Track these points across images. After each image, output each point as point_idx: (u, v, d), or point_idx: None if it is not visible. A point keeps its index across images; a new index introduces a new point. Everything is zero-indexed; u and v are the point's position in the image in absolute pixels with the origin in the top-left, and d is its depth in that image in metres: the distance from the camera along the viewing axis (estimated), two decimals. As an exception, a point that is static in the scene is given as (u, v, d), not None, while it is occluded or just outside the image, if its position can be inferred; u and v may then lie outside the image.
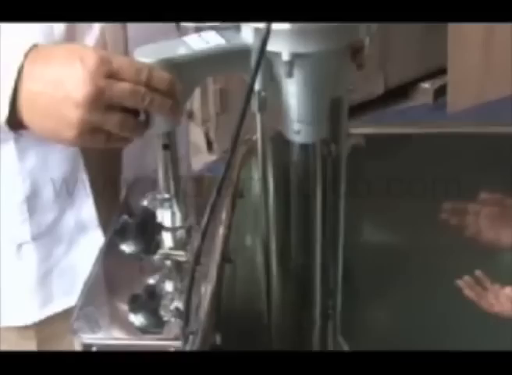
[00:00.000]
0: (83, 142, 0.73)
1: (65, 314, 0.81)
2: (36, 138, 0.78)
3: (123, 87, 0.69)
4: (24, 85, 0.71)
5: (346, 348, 1.01)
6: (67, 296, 0.84)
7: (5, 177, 0.87)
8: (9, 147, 0.86)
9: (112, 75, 0.69)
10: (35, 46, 0.73)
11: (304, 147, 0.79)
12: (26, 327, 0.95)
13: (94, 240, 0.91)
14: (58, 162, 0.89)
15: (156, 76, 0.71)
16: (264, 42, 0.63)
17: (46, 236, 0.92)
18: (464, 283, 1.16)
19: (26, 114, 0.73)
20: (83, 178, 0.91)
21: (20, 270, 0.92)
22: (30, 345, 0.96)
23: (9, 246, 0.91)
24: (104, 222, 0.93)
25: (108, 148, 0.77)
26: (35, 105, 0.72)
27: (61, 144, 0.78)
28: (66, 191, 0.91)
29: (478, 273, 1.16)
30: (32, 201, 0.89)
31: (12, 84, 0.71)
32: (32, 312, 0.94)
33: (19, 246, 0.91)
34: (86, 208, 0.92)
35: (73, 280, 0.85)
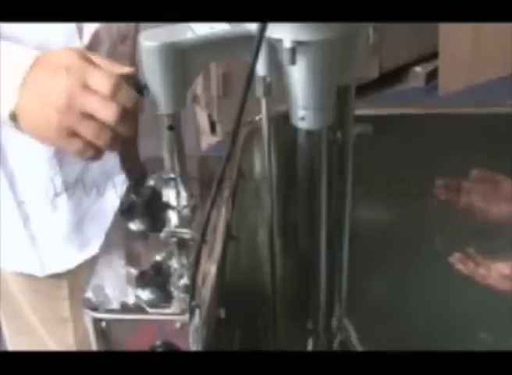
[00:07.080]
0: (61, 144, 0.77)
1: (92, 264, 0.82)
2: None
3: (95, 99, 0.72)
4: (25, 92, 0.76)
5: (350, 328, 1.00)
6: (100, 239, 0.85)
7: None
8: None
9: (88, 86, 0.73)
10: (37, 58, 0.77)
11: (310, 133, 0.77)
12: (59, 277, 1.03)
13: (118, 184, 0.96)
14: None
15: (123, 93, 0.73)
16: (261, 33, 0.60)
17: (75, 187, 0.97)
18: (455, 259, 1.15)
19: (22, 115, 0.77)
20: None
21: (56, 220, 0.99)
22: (62, 294, 1.06)
23: (44, 199, 0.97)
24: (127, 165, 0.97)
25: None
26: (27, 109, 0.77)
27: (44, 144, 0.81)
28: None
29: (469, 250, 1.15)
30: (60, 155, 0.94)
31: (15, 97, 0.76)
32: (71, 257, 1.01)
33: (54, 197, 0.97)
34: (109, 158, 0.93)
35: (104, 224, 0.86)
